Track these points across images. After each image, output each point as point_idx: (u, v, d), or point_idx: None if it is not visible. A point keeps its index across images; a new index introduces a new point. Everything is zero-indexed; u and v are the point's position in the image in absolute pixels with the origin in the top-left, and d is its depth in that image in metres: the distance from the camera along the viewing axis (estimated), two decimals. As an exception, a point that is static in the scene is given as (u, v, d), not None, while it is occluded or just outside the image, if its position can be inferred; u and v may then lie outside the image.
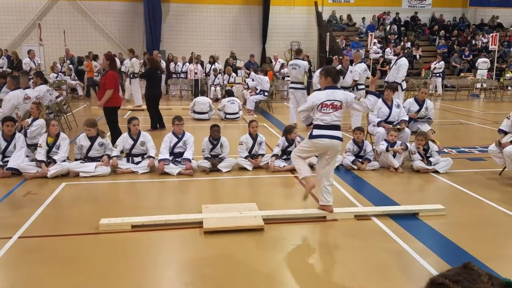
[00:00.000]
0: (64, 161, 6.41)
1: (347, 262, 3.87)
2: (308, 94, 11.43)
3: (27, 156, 6.57)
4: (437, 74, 17.69)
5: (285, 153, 6.88)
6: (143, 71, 13.59)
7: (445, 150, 7.92)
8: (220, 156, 6.76)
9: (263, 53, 21.92)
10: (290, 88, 10.70)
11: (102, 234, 4.38)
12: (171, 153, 6.64)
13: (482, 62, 18.88)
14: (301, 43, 21.42)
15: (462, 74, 19.99)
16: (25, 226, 4.53)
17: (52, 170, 6.21)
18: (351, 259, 3.91)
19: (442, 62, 17.78)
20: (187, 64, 17.14)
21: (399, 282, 3.58)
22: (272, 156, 6.79)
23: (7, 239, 4.20)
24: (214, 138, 6.78)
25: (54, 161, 6.34)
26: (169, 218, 4.63)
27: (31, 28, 19.79)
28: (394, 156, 6.71)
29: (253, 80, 13.86)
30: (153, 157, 6.61)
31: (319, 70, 9.90)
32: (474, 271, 1.01)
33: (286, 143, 6.88)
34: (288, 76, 17.77)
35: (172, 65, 17.38)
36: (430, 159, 6.67)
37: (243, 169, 6.74)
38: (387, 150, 6.68)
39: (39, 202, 5.24)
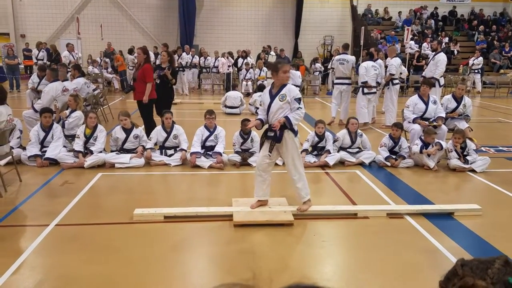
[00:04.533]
0: (101, 152, 6.58)
1: (379, 260, 3.81)
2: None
3: (64, 146, 6.78)
4: (476, 71, 17.14)
5: (315, 149, 6.84)
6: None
7: (483, 148, 7.68)
8: (250, 150, 6.78)
9: (296, 48, 21.79)
10: (336, 84, 10.34)
11: (136, 223, 4.48)
12: (203, 146, 6.70)
13: None
14: (334, 37, 21.20)
15: (501, 71, 19.29)
16: (62, 214, 4.68)
17: (89, 160, 6.39)
18: (383, 257, 3.85)
19: (480, 58, 17.20)
20: (219, 58, 17.22)
21: (432, 281, 3.50)
22: (302, 151, 6.74)
23: (45, 226, 4.36)
24: (245, 133, 6.80)
25: (91, 152, 6.51)
26: (200, 210, 4.69)
27: (69, 21, 20.36)
28: (429, 155, 6.55)
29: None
30: (185, 150, 6.70)
31: (366, 62, 9.71)
32: (499, 267, 0.98)
33: (316, 138, 6.83)
34: (318, 71, 17.73)
35: (202, 59, 17.43)
36: (467, 157, 6.48)
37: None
38: (420, 152, 6.52)
39: (75, 191, 5.40)
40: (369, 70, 9.55)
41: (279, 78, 4.50)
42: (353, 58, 10.23)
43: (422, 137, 6.67)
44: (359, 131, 6.96)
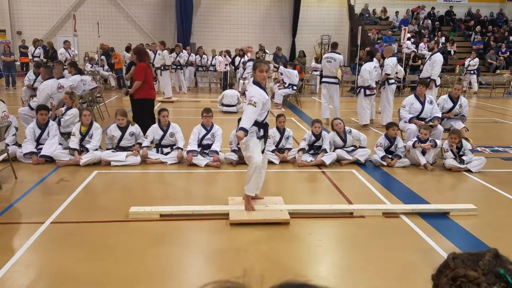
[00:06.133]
0: (96, 150, 6.56)
1: (375, 260, 3.82)
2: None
3: (60, 144, 6.75)
4: (472, 71, 17.19)
5: (312, 148, 6.85)
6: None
7: (479, 148, 7.71)
8: (247, 149, 6.76)
9: (293, 47, 21.79)
10: (323, 82, 10.29)
11: (132, 221, 4.47)
12: (199, 144, 6.69)
13: None
14: (332, 37, 21.19)
15: (498, 71, 19.35)
16: (57, 212, 4.66)
17: (85, 158, 6.37)
18: (379, 257, 3.86)
19: (476, 59, 17.25)
20: (216, 56, 17.18)
21: (427, 281, 3.50)
22: (299, 150, 6.76)
23: (40, 224, 4.34)
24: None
25: (87, 150, 6.49)
26: (196, 208, 4.69)
27: (66, 19, 20.26)
28: (423, 154, 6.57)
29: (281, 74, 13.80)
30: (182, 149, 6.69)
31: (368, 65, 9.64)
32: (489, 259, 1.00)
33: (313, 138, 6.84)
34: (316, 70, 17.74)
35: (198, 58, 17.31)
36: (463, 157, 6.50)
37: (270, 162, 6.69)
38: (413, 146, 6.55)
39: (71, 189, 5.38)
40: (372, 72, 9.54)
41: (256, 76, 4.76)
42: (340, 56, 10.13)
43: (419, 136, 6.69)
44: (347, 127, 6.94)
